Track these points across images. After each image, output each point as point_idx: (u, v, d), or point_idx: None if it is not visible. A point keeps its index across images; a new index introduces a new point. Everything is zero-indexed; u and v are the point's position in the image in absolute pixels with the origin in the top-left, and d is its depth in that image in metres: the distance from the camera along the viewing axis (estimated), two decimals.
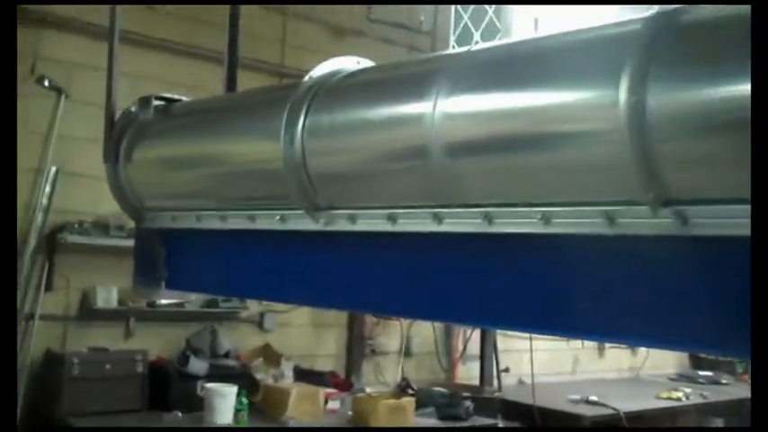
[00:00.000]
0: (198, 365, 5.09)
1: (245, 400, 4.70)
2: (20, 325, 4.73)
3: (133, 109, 2.75)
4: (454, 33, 5.15)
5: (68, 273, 4.96)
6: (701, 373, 8.20)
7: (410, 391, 5.71)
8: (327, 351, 6.28)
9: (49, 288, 4.87)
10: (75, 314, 5.02)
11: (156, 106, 2.70)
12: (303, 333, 6.08)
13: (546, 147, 1.49)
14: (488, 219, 1.65)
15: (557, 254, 1.59)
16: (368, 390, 5.77)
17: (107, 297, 4.96)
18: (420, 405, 5.44)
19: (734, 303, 1.38)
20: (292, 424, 4.72)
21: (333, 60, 2.15)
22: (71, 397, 4.59)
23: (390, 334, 6.57)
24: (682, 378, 8.15)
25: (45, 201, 4.82)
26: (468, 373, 7.17)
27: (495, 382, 7.16)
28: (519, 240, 1.62)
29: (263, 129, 2.08)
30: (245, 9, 5.86)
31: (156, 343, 5.25)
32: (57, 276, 4.91)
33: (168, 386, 5.02)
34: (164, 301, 5.17)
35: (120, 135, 2.74)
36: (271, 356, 5.69)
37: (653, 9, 1.38)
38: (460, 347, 7.15)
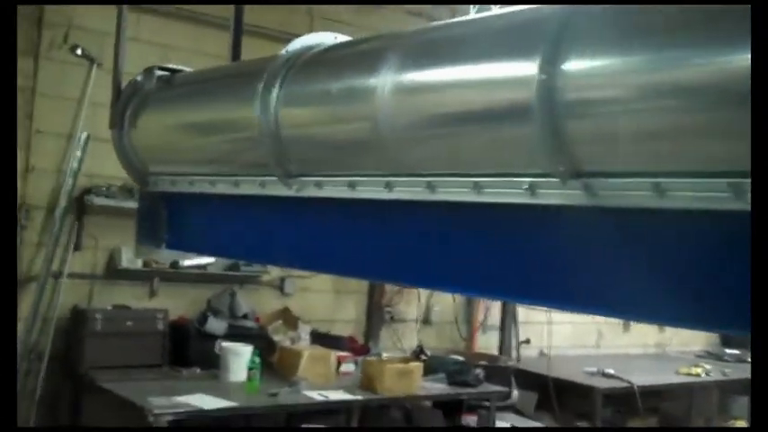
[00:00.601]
0: (216, 325, 5.31)
1: (257, 360, 4.90)
2: (48, 282, 4.98)
3: (139, 78, 2.92)
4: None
5: (96, 233, 5.20)
6: (728, 350, 8.19)
7: (423, 358, 5.86)
8: (347, 317, 6.46)
9: (77, 248, 5.12)
10: (101, 273, 5.27)
11: (160, 76, 2.86)
12: (323, 298, 6.26)
13: (475, 121, 1.60)
14: (431, 187, 1.77)
15: (488, 223, 1.71)
16: (384, 355, 5.93)
17: (132, 257, 5.19)
18: (431, 371, 5.59)
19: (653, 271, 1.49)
20: (303, 385, 4.91)
21: (312, 35, 2.28)
22: (93, 351, 4.85)
23: (410, 302, 6.71)
24: (709, 355, 8.16)
25: (75, 165, 5.04)
26: (489, 343, 7.30)
27: (515, 353, 7.31)
28: (456, 207, 1.74)
29: (243, 98, 2.22)
30: None
31: (179, 303, 5.48)
32: (85, 236, 5.15)
33: (188, 344, 5.26)
34: (187, 263, 5.39)
35: (126, 103, 2.91)
36: (289, 320, 5.89)
37: None
38: (481, 317, 7.27)
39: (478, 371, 5.71)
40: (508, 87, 1.50)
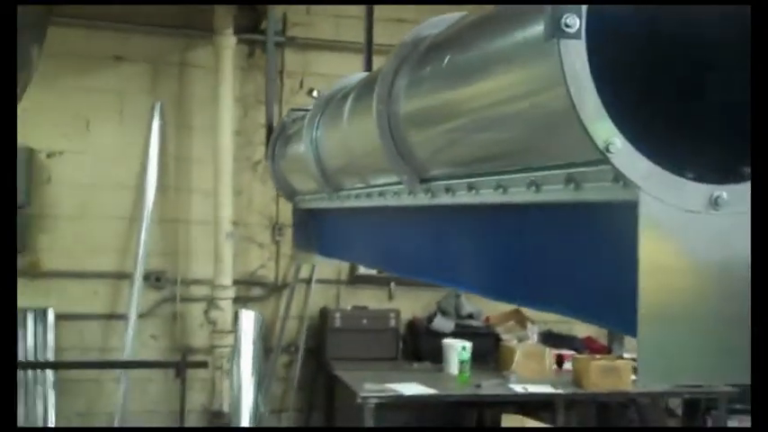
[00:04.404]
0: (443, 324, 5.90)
1: (467, 355, 5.38)
2: (301, 287, 5.97)
3: (285, 119, 3.66)
4: None
5: None
6: None
7: None
8: None
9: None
10: (346, 279, 6.14)
11: (294, 117, 3.57)
12: None
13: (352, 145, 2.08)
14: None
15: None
16: (626, 356, 6.04)
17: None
18: None
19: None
20: (513, 378, 5.29)
21: (349, 77, 2.83)
22: (334, 345, 5.73)
23: None
24: None
25: None
26: None
27: None
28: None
29: (299, 136, 2.83)
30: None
31: (415, 305, 6.17)
32: None
33: (419, 341, 5.92)
34: None
35: (277, 138, 3.65)
36: (520, 320, 6.27)
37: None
38: None
39: None
40: (365, 118, 1.94)
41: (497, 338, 6.04)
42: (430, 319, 5.98)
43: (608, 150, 1.03)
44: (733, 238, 1.06)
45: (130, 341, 5.54)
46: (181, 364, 4.74)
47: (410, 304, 6.16)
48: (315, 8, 6.12)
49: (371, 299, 6.16)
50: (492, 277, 1.73)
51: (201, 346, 5.74)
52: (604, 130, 1.03)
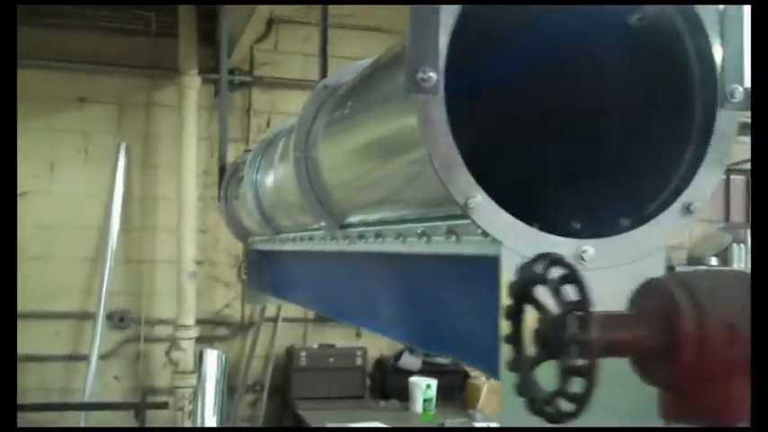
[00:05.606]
0: (410, 361, 5.86)
1: (431, 393, 5.35)
2: (267, 326, 5.94)
3: (239, 159, 3.66)
4: None
5: None
6: None
7: None
8: None
9: None
10: (312, 317, 6.11)
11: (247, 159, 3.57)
12: None
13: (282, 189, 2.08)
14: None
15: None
16: None
17: None
18: None
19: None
20: (479, 417, 5.26)
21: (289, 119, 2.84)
22: (299, 384, 5.68)
23: None
24: None
25: None
26: None
27: None
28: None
29: (241, 181, 2.83)
30: None
31: (383, 342, 6.11)
32: None
33: (386, 379, 5.88)
34: None
35: (230, 180, 3.65)
36: None
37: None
38: None
39: None
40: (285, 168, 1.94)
41: (466, 375, 6.00)
42: (397, 356, 5.94)
43: (467, 205, 1.03)
44: (596, 295, 1.06)
45: (91, 382, 5.47)
46: (140, 405, 4.69)
47: (378, 342, 6.11)
48: (282, 47, 6.17)
49: (339, 337, 6.12)
50: (407, 325, 1.73)
51: (164, 387, 5.68)
52: (463, 186, 1.04)
